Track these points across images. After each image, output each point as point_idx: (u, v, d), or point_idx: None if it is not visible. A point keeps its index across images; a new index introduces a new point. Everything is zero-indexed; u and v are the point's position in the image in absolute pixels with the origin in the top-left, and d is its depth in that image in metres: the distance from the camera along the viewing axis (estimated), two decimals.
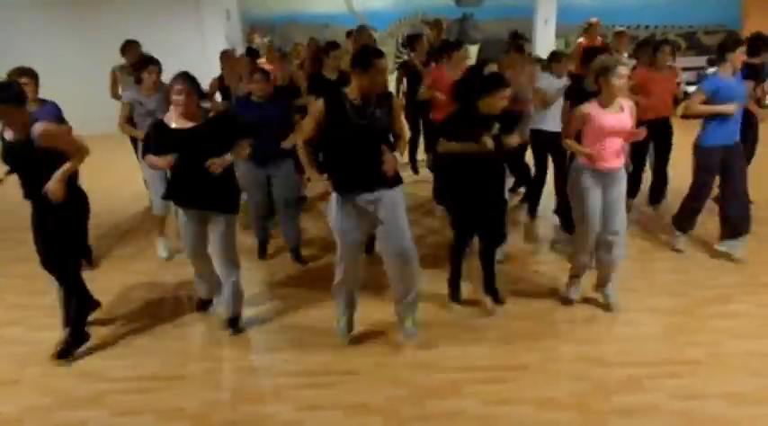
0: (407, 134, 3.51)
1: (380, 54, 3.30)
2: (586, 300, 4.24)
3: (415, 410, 3.21)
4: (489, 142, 3.76)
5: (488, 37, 11.65)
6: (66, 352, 3.72)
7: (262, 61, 6.92)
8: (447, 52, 5.64)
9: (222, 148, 3.63)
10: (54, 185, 3.41)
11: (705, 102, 4.51)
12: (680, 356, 3.60)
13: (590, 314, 4.11)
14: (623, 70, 3.69)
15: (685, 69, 5.90)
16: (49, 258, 3.66)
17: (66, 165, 3.46)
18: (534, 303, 4.26)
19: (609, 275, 4.09)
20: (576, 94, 4.57)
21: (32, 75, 4.52)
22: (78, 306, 3.79)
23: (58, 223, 3.57)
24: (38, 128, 3.38)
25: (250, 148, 3.80)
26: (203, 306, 4.28)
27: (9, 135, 3.46)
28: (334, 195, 3.43)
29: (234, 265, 3.85)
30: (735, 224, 4.73)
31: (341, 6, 11.64)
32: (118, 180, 7.50)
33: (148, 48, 6.33)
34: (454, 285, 4.33)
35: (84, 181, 3.83)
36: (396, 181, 3.47)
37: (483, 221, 4.07)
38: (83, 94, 8.99)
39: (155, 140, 3.65)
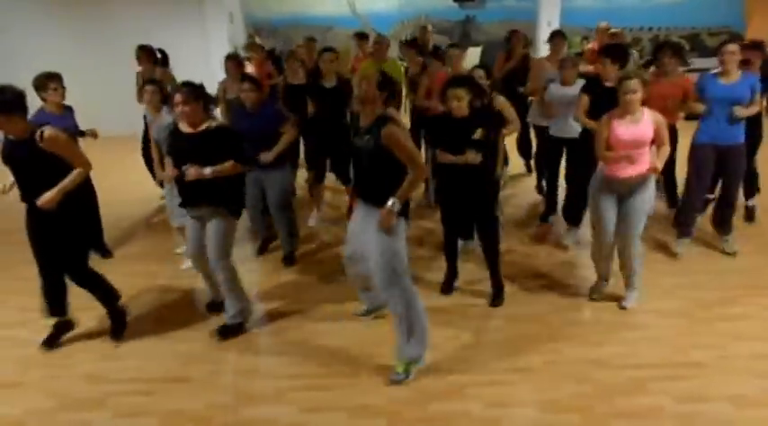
0: (422, 170, 3.22)
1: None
2: (590, 303, 4.24)
3: (418, 412, 3.21)
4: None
5: (491, 39, 11.66)
6: (116, 334, 3.99)
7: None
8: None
9: (219, 156, 3.64)
10: (49, 196, 3.45)
11: None
12: (684, 358, 3.59)
13: (594, 316, 4.11)
14: (632, 84, 3.67)
15: (689, 71, 5.75)
16: (49, 262, 3.67)
17: (67, 181, 3.49)
18: (537, 305, 4.26)
19: (629, 278, 4.13)
20: (595, 93, 4.64)
21: (59, 79, 4.65)
22: (104, 300, 3.94)
23: (57, 226, 3.58)
24: (47, 130, 3.42)
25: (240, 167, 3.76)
26: (213, 307, 4.28)
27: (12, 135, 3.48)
28: None
29: (221, 256, 3.79)
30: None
31: (344, 9, 11.65)
32: (125, 181, 7.51)
33: None
34: (444, 279, 4.48)
35: (93, 182, 3.81)
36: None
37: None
38: (89, 96, 9.02)
39: (169, 143, 3.79)
